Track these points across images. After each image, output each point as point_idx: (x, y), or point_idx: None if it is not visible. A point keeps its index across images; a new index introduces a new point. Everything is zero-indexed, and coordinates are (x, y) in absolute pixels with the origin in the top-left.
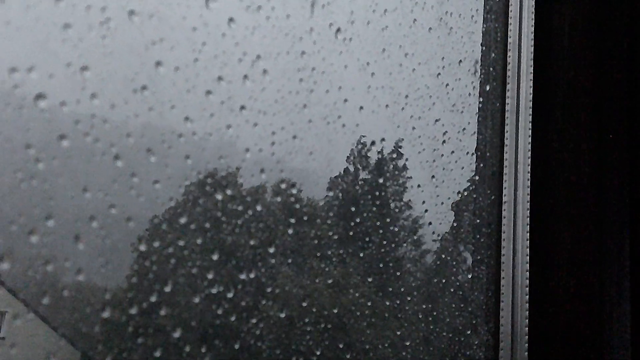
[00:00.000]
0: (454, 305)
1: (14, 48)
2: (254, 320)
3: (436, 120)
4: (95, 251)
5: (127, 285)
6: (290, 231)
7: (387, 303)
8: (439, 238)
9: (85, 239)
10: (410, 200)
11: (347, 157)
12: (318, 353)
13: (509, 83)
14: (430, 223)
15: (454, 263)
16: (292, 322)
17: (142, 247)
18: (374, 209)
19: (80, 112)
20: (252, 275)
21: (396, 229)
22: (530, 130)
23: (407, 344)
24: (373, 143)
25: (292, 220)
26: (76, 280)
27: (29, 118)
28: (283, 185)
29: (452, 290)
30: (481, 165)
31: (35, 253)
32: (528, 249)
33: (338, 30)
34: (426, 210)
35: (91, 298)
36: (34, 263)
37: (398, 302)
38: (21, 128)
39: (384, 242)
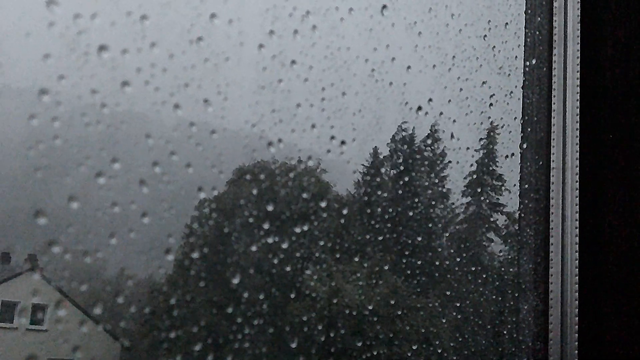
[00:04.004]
0: (502, 269)
1: None
2: (308, 272)
3: (483, 83)
4: (158, 196)
5: (188, 231)
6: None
7: (437, 263)
8: (487, 202)
9: (149, 184)
10: (458, 161)
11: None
12: (370, 307)
13: (555, 47)
14: (479, 187)
15: (502, 228)
16: (344, 277)
17: (202, 195)
18: (422, 168)
19: (141, 60)
20: (305, 228)
21: (445, 190)
22: (579, 95)
23: (457, 305)
24: (420, 108)
25: (340, 177)
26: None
27: (95, 64)
28: (334, 142)
29: (500, 254)
30: (528, 130)
31: (103, 195)
32: (578, 215)
33: (384, 6)
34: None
35: (155, 243)
36: (102, 205)
37: (447, 263)
38: (86, 74)
39: (433, 202)
